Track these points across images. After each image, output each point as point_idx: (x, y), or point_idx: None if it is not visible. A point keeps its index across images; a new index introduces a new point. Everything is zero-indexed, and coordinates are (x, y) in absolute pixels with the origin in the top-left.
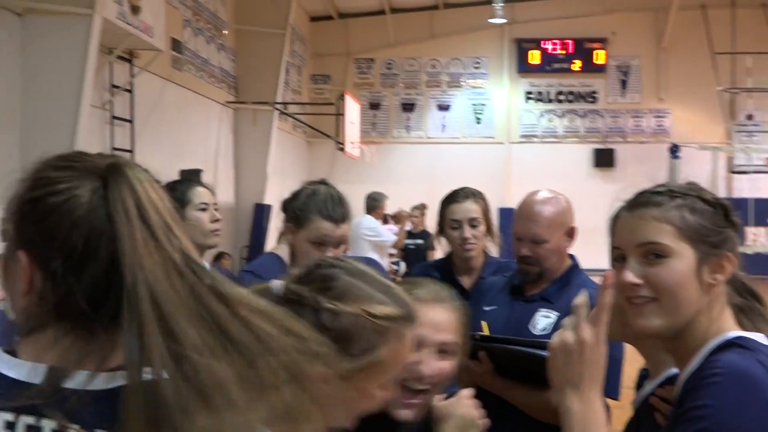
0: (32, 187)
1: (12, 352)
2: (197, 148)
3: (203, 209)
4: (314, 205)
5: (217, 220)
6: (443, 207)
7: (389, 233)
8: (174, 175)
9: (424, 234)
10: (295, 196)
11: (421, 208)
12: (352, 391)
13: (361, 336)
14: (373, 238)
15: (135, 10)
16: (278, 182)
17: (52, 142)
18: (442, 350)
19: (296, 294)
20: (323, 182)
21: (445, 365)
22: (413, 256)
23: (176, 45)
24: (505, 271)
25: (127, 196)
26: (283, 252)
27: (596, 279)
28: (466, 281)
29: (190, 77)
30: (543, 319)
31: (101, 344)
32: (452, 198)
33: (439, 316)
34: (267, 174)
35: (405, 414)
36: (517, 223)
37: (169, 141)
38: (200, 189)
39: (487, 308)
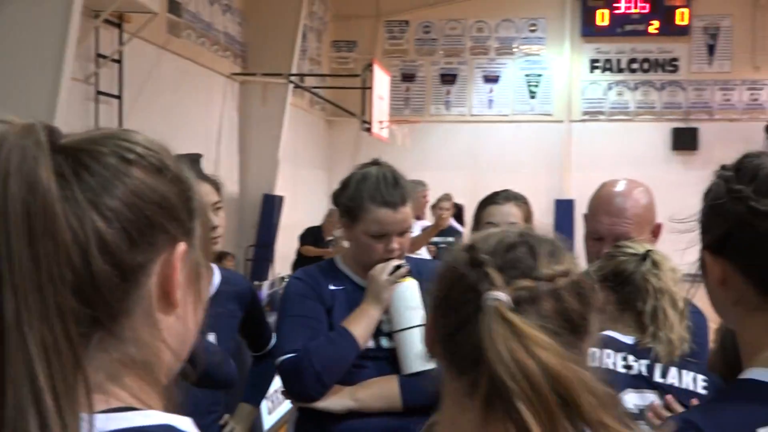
0: None
1: None
2: (196, 129)
3: None
4: (366, 192)
5: (214, 228)
6: (480, 209)
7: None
8: None
9: (452, 231)
10: (344, 185)
11: (449, 199)
12: None
13: None
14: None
15: None
16: (291, 169)
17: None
18: None
19: None
20: (375, 163)
21: None
22: None
23: (174, 6)
24: None
25: None
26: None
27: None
28: None
29: (190, 45)
30: None
31: None
32: (491, 199)
33: None
34: (278, 159)
35: None
36: (596, 219)
37: (164, 120)
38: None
39: None
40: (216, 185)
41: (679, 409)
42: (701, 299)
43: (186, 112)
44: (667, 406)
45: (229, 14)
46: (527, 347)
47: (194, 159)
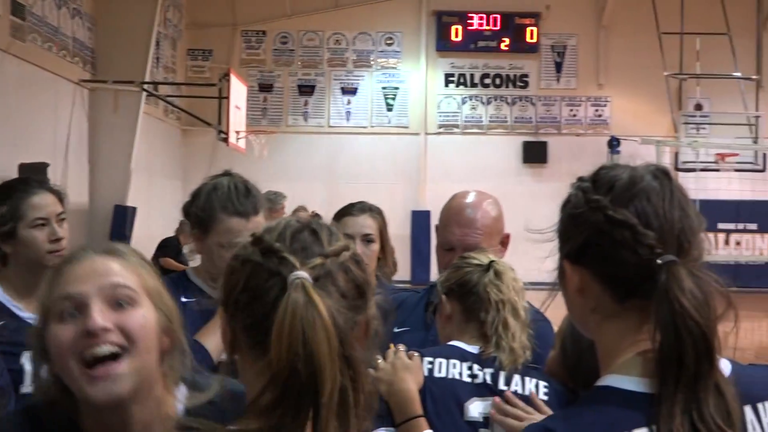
0: None
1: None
2: (42, 137)
3: (41, 225)
4: (218, 202)
5: (58, 240)
6: (335, 220)
7: None
8: (12, 171)
9: None
10: (195, 195)
11: (304, 210)
12: None
13: None
14: None
15: None
16: (145, 180)
17: None
18: None
19: None
20: (227, 173)
21: None
22: None
23: (17, 8)
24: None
25: None
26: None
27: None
28: None
29: (35, 49)
30: None
31: None
32: (346, 211)
33: None
34: (130, 170)
35: None
36: (448, 230)
37: (6, 127)
38: (37, 199)
39: (397, 330)
40: (59, 195)
41: (518, 402)
42: (555, 308)
43: (31, 119)
44: (508, 401)
45: (79, 18)
46: (316, 325)
47: (39, 168)
